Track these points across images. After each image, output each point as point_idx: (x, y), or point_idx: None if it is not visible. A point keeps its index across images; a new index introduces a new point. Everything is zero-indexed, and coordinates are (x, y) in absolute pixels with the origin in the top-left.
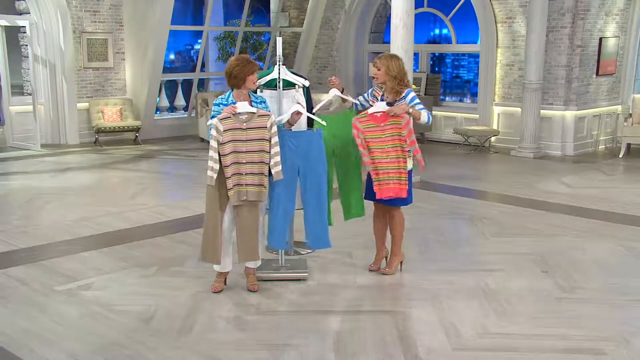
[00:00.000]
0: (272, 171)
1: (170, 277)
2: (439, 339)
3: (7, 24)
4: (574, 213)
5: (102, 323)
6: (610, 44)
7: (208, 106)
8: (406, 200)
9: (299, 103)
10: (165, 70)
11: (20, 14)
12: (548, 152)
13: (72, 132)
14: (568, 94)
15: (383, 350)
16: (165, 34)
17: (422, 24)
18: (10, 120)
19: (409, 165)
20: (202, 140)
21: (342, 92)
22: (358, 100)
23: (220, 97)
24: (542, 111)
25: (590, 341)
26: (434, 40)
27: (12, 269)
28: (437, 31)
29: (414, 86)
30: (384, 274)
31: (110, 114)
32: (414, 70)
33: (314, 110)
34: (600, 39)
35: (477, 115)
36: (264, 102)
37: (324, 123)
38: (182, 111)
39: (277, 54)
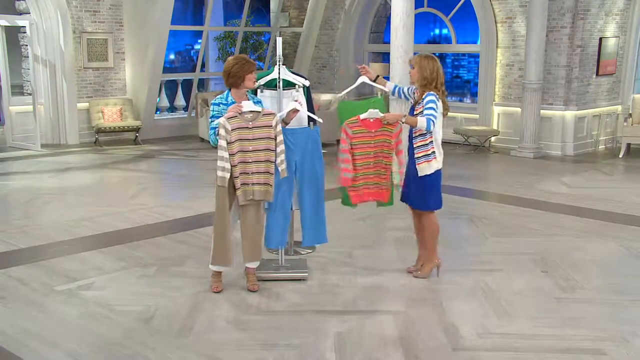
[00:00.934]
0: (279, 169)
1: (170, 277)
2: (439, 339)
3: (7, 24)
4: (574, 213)
5: (102, 323)
6: (610, 44)
7: (208, 106)
8: (428, 205)
9: (296, 100)
10: (165, 70)
11: (20, 14)
12: (548, 152)
13: (72, 132)
14: (568, 94)
15: (383, 350)
16: (165, 34)
17: (422, 24)
18: (10, 120)
19: (395, 179)
20: (202, 140)
21: (375, 80)
22: (401, 87)
23: (218, 96)
24: (542, 111)
25: (590, 341)
26: (434, 40)
27: (12, 269)
28: (437, 31)
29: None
30: (415, 276)
31: (110, 114)
32: None
33: (340, 94)
34: (600, 39)
35: (477, 115)
36: (260, 103)
37: (320, 120)
38: (182, 111)
39: (277, 54)
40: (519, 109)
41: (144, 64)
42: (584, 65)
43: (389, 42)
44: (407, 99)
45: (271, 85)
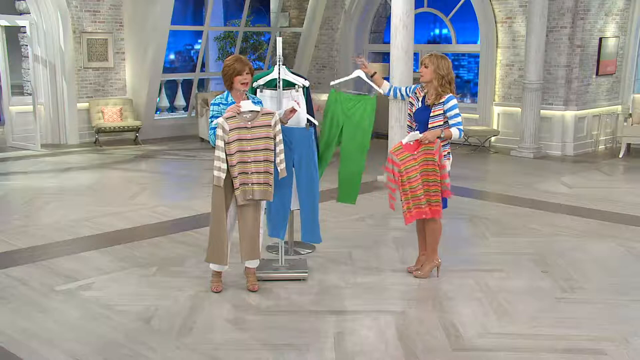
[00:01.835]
0: (278, 168)
1: (170, 277)
2: (439, 339)
3: (7, 24)
4: (574, 213)
5: (102, 323)
6: (610, 44)
7: (208, 106)
8: (445, 204)
9: (294, 100)
10: (165, 70)
11: (20, 14)
12: (548, 152)
13: (72, 132)
14: (568, 94)
15: (383, 350)
16: (165, 34)
17: (422, 24)
18: (10, 120)
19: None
20: (202, 140)
21: (371, 78)
22: (398, 88)
23: (218, 96)
24: (542, 111)
25: (590, 341)
26: (434, 40)
27: (12, 269)
28: (437, 31)
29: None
30: (415, 276)
31: (110, 114)
32: (414, 70)
33: (333, 82)
34: (600, 39)
35: (477, 115)
36: (260, 103)
37: (315, 122)
38: (182, 111)
39: (277, 54)
40: (519, 109)
41: (144, 64)
42: (584, 65)
43: (389, 42)
44: (403, 99)
45: (271, 85)
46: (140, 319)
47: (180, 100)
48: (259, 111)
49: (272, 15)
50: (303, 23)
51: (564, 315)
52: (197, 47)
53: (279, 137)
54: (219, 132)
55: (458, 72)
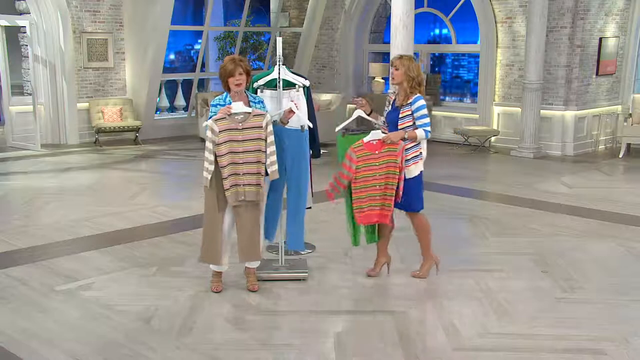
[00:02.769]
0: (268, 170)
1: (170, 277)
2: (439, 339)
3: (7, 24)
4: (574, 213)
5: (102, 323)
6: (610, 44)
7: (208, 106)
8: (416, 206)
9: (292, 101)
10: (165, 70)
11: (20, 14)
12: (548, 152)
13: (72, 132)
14: (568, 94)
15: (383, 350)
16: (165, 34)
17: (422, 24)
18: (10, 120)
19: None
20: (202, 140)
21: (369, 114)
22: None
23: (217, 97)
24: (542, 111)
25: (590, 341)
26: (434, 40)
27: (12, 269)
28: (437, 31)
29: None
30: (414, 277)
31: (110, 114)
32: None
33: (338, 128)
34: (600, 39)
35: (477, 115)
36: (261, 103)
37: (310, 124)
38: (182, 111)
39: (277, 54)
40: (519, 109)
41: (144, 64)
42: (584, 65)
43: (389, 42)
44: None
45: (271, 85)
46: (140, 319)
47: (180, 100)
48: (250, 112)
49: (272, 15)
50: (303, 23)
51: (564, 315)
52: (197, 47)
53: (271, 138)
54: (208, 133)
55: (458, 72)
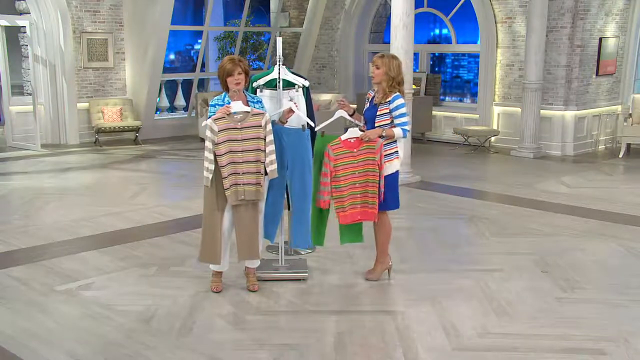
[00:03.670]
0: (267, 169)
1: (170, 277)
2: (439, 339)
3: (7, 24)
4: (574, 213)
5: (102, 323)
6: (610, 44)
7: (208, 106)
8: (388, 205)
9: (291, 100)
10: (165, 70)
11: (20, 14)
12: (548, 152)
13: (72, 132)
14: (568, 94)
15: (383, 350)
16: (165, 34)
17: (422, 24)
18: (10, 120)
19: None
20: (202, 140)
21: (352, 115)
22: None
23: (216, 97)
24: (542, 111)
25: (590, 341)
26: (434, 40)
27: (12, 269)
28: (437, 31)
29: (414, 86)
30: (368, 279)
31: (110, 114)
32: (414, 70)
33: (318, 128)
34: (600, 39)
35: (477, 115)
36: (260, 102)
37: (312, 124)
38: (182, 111)
39: (277, 54)
40: (519, 109)
41: (144, 64)
42: (584, 65)
43: (389, 42)
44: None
45: (271, 85)
46: (140, 319)
47: (180, 100)
48: (249, 112)
49: (272, 15)
50: (303, 23)
51: (564, 315)
52: (197, 47)
53: (270, 137)
54: (208, 133)
55: (458, 72)
